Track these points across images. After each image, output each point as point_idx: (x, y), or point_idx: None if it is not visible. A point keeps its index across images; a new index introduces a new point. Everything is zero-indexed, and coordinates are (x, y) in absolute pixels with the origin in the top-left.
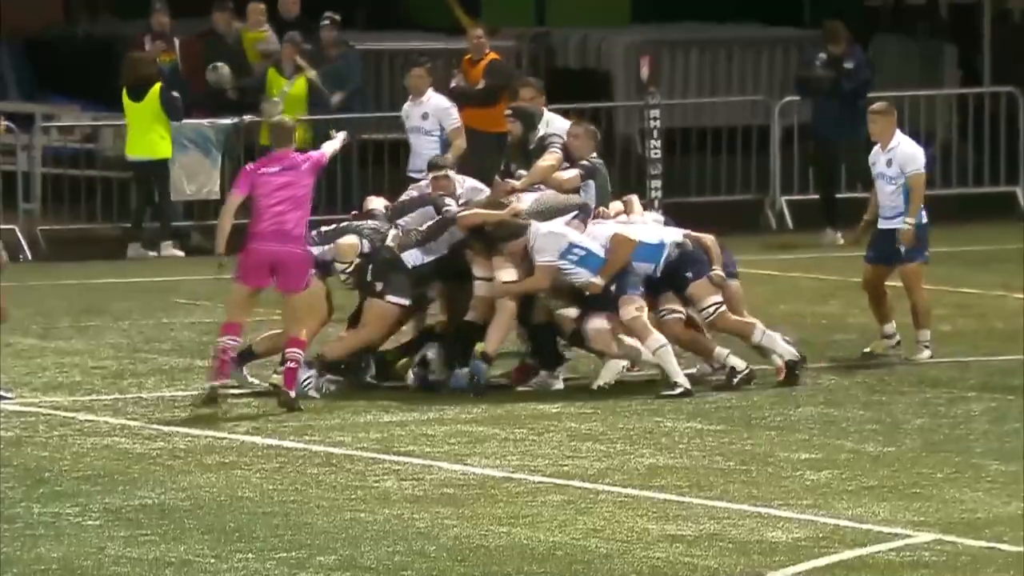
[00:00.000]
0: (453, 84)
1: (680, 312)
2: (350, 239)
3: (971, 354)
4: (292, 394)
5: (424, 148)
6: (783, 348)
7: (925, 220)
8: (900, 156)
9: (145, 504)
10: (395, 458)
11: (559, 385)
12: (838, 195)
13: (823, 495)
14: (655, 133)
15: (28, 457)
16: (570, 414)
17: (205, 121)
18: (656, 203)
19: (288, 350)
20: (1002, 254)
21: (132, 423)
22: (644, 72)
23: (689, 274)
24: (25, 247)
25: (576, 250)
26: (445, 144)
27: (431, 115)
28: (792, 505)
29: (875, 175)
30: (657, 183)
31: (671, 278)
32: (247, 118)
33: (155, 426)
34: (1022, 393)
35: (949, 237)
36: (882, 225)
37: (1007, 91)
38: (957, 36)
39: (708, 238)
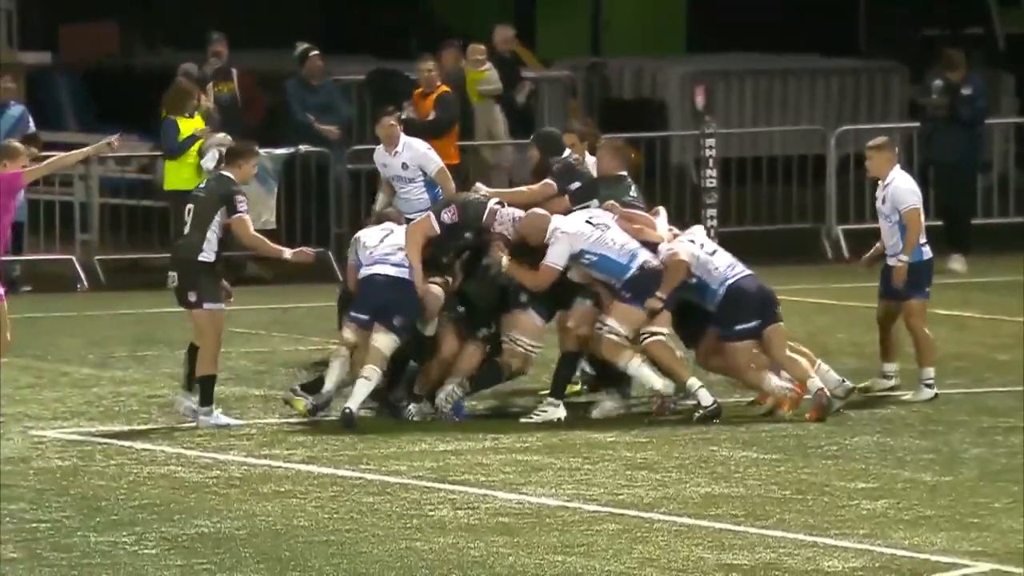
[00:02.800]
0: (403, 116)
1: (662, 333)
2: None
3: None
4: None
5: (412, 195)
6: (655, 380)
7: (928, 256)
8: (893, 193)
9: (201, 533)
10: (450, 487)
11: (561, 413)
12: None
13: (880, 524)
14: (711, 162)
15: (85, 486)
16: (625, 443)
17: (262, 151)
18: (711, 232)
19: None
20: None
21: (188, 452)
22: (699, 101)
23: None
24: (83, 277)
25: (588, 255)
26: (431, 185)
27: (410, 164)
28: (848, 534)
29: (877, 211)
30: (713, 212)
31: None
32: (303, 148)
33: (211, 455)
34: None
35: (1008, 266)
36: (888, 261)
37: None
38: (1014, 65)
39: (674, 261)
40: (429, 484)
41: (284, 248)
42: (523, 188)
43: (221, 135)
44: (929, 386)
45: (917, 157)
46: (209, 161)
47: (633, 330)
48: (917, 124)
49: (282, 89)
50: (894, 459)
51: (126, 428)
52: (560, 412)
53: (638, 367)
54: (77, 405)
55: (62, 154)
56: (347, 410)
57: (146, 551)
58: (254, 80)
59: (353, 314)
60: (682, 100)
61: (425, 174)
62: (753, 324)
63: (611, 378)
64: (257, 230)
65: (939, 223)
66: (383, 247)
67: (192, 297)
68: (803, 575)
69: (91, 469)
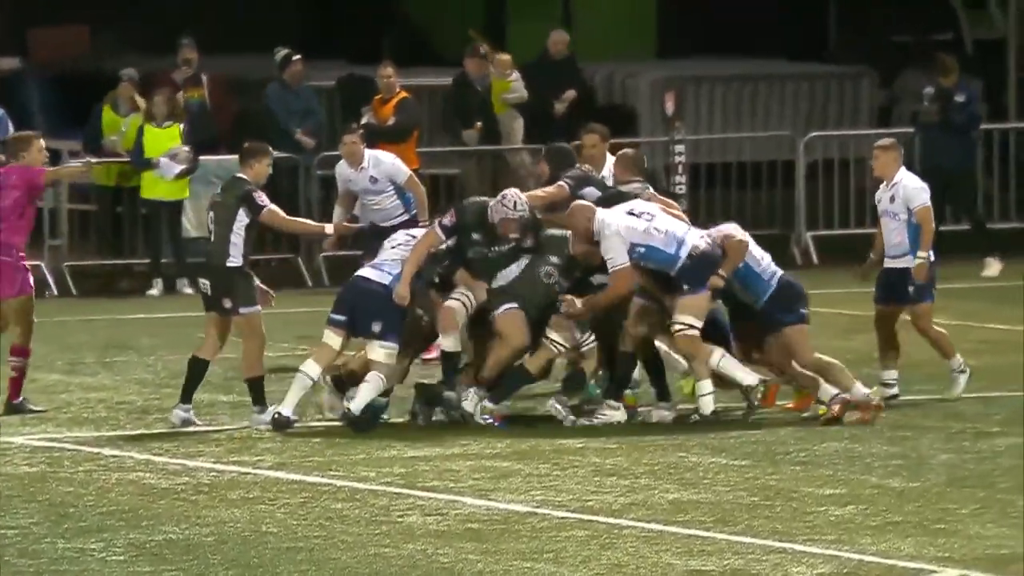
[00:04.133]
0: (363, 121)
1: (695, 326)
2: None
3: (996, 389)
4: (16, 402)
5: (384, 204)
6: (743, 374)
7: (933, 258)
8: (903, 192)
9: (169, 539)
10: (419, 493)
11: (621, 416)
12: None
13: (847, 530)
14: (680, 168)
15: (53, 492)
16: (594, 449)
17: (232, 157)
18: None
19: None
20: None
21: (157, 458)
22: (669, 108)
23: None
24: (51, 283)
25: (638, 248)
26: (401, 191)
27: (379, 177)
28: (816, 540)
29: (880, 212)
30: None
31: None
32: (275, 155)
33: (180, 461)
34: None
35: (973, 273)
36: (888, 264)
37: None
38: (983, 72)
39: (734, 242)
40: (398, 490)
41: (324, 224)
42: (538, 191)
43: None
44: (962, 372)
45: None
46: (164, 170)
47: (703, 317)
48: (884, 130)
49: (253, 94)
50: (862, 465)
51: (94, 434)
52: (620, 415)
53: (723, 360)
54: (45, 412)
55: (75, 165)
56: (347, 411)
57: (114, 558)
58: (224, 85)
59: (332, 315)
60: (652, 106)
61: (394, 184)
62: (798, 316)
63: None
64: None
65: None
66: (390, 253)
67: (227, 304)
68: None
69: (59, 475)
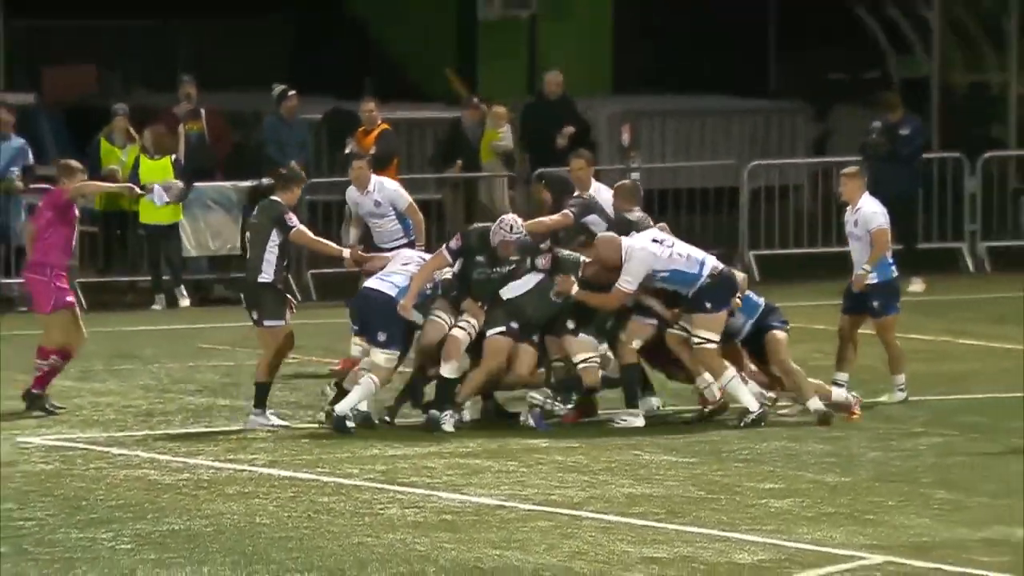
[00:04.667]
0: (347, 151)
1: (714, 340)
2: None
3: (921, 394)
4: (35, 392)
5: (385, 227)
6: (747, 399)
7: (896, 274)
8: (863, 216)
9: (172, 530)
10: (399, 488)
11: (640, 422)
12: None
13: (785, 521)
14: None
15: (67, 488)
16: (557, 448)
17: (227, 184)
18: None
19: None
20: (948, 304)
21: (161, 456)
22: (625, 138)
23: (708, 304)
24: None
25: (661, 273)
26: (401, 217)
27: (383, 202)
28: (757, 530)
29: (848, 234)
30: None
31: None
32: (265, 181)
33: (181, 459)
34: (965, 430)
35: (901, 288)
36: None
37: (954, 156)
38: (909, 107)
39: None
40: (379, 485)
41: (343, 248)
42: (544, 219)
43: (172, 181)
44: (902, 390)
45: (820, 187)
46: (156, 197)
47: (720, 333)
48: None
49: (247, 127)
50: (799, 462)
51: (104, 435)
52: (639, 421)
53: (733, 382)
54: (60, 414)
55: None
56: (336, 414)
57: (122, 546)
58: (222, 119)
59: (352, 326)
60: (610, 137)
61: (395, 209)
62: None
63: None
64: (224, 256)
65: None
66: (399, 268)
67: (254, 315)
68: (716, 567)
69: (72, 472)
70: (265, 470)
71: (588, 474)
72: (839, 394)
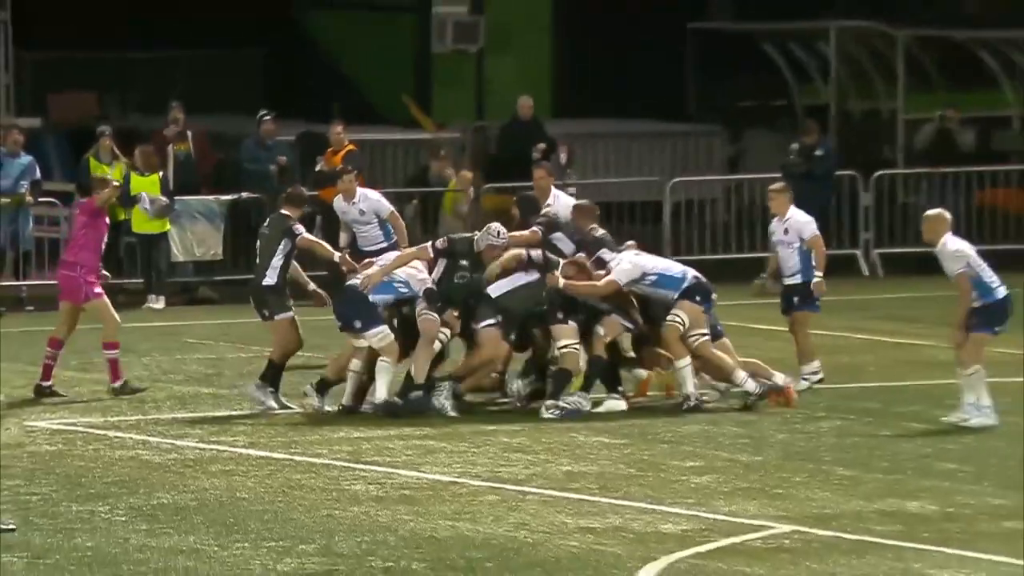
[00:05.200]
0: (317, 168)
1: (705, 334)
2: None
3: (822, 383)
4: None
5: (370, 233)
6: (689, 387)
7: (819, 277)
8: (794, 225)
9: (162, 503)
10: (363, 466)
11: (623, 406)
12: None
13: (705, 495)
14: None
15: (68, 466)
16: (503, 430)
17: (211, 197)
18: None
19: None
20: (846, 304)
21: (151, 439)
22: (563, 157)
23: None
24: None
25: (649, 276)
26: (383, 224)
27: (367, 211)
28: (680, 503)
29: (775, 242)
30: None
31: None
32: (244, 195)
33: (170, 441)
34: (861, 414)
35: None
36: (786, 282)
37: (850, 174)
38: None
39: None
40: (346, 464)
41: (335, 252)
42: (515, 233)
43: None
44: (806, 379)
45: (734, 201)
46: (145, 204)
47: (693, 325)
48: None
49: (229, 146)
50: (716, 443)
51: (101, 419)
52: (622, 405)
53: (686, 368)
54: (62, 401)
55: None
56: (380, 402)
57: (117, 518)
58: (206, 140)
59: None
60: (549, 156)
61: (378, 217)
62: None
63: (607, 380)
64: (208, 261)
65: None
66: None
67: (265, 313)
68: (644, 536)
69: (73, 452)
70: (244, 450)
71: (531, 454)
72: (778, 377)
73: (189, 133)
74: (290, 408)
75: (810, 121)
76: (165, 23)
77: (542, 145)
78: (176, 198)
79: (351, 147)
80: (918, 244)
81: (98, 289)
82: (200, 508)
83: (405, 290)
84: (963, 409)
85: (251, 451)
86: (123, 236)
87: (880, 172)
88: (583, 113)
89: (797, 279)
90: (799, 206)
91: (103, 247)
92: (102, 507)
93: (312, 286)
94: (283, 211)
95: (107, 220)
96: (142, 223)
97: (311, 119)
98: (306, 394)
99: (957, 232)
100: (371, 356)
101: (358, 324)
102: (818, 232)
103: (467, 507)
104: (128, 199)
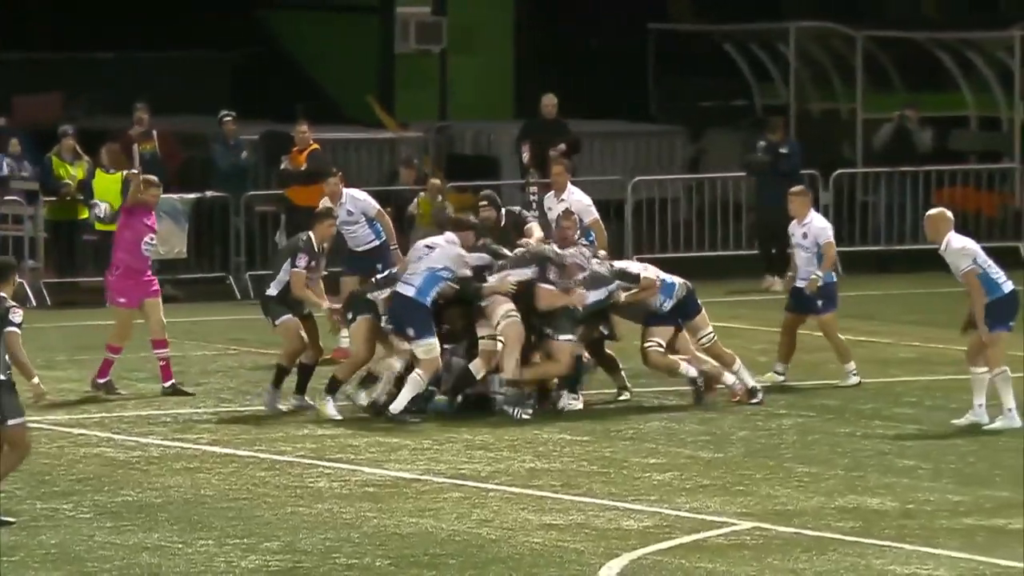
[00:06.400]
0: (282, 167)
1: (660, 343)
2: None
3: (783, 380)
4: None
5: (358, 232)
6: (747, 379)
7: (835, 279)
8: (814, 229)
9: (126, 501)
10: (327, 463)
11: (579, 405)
12: (774, 250)
13: (667, 492)
14: (534, 205)
15: (33, 463)
16: (466, 428)
17: (175, 196)
18: None
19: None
20: None
21: (116, 436)
22: (525, 157)
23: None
24: (31, 297)
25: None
26: (372, 222)
27: (354, 211)
28: (642, 500)
29: (794, 244)
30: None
31: (676, 312)
32: (209, 193)
33: (134, 438)
34: (822, 412)
35: (765, 286)
36: (800, 284)
37: (810, 173)
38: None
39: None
40: (310, 461)
41: (323, 300)
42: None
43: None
44: (855, 375)
45: (695, 200)
46: (98, 211)
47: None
48: (694, 175)
49: (196, 145)
50: (678, 440)
51: (66, 417)
52: (579, 404)
53: (685, 368)
54: (26, 399)
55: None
56: (392, 415)
57: (82, 515)
58: (172, 139)
59: (384, 323)
60: (512, 156)
61: (366, 216)
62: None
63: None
64: (172, 259)
65: (757, 252)
66: (418, 265)
67: (269, 319)
68: (607, 532)
69: (38, 450)
70: (209, 448)
71: (494, 451)
72: (728, 378)
73: (154, 133)
74: (308, 405)
75: (776, 118)
76: (132, 24)
77: (562, 146)
78: None
79: (315, 147)
80: (877, 243)
81: (122, 299)
82: (164, 505)
83: (447, 274)
84: (973, 411)
85: (215, 448)
86: (83, 235)
87: (839, 171)
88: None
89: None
90: (763, 202)
91: (141, 248)
92: (67, 504)
93: (326, 304)
94: (310, 233)
95: (145, 220)
96: (108, 224)
97: (276, 119)
98: (349, 397)
99: (915, 231)
100: (411, 362)
101: (411, 331)
102: (832, 239)
103: (430, 504)
104: (89, 199)
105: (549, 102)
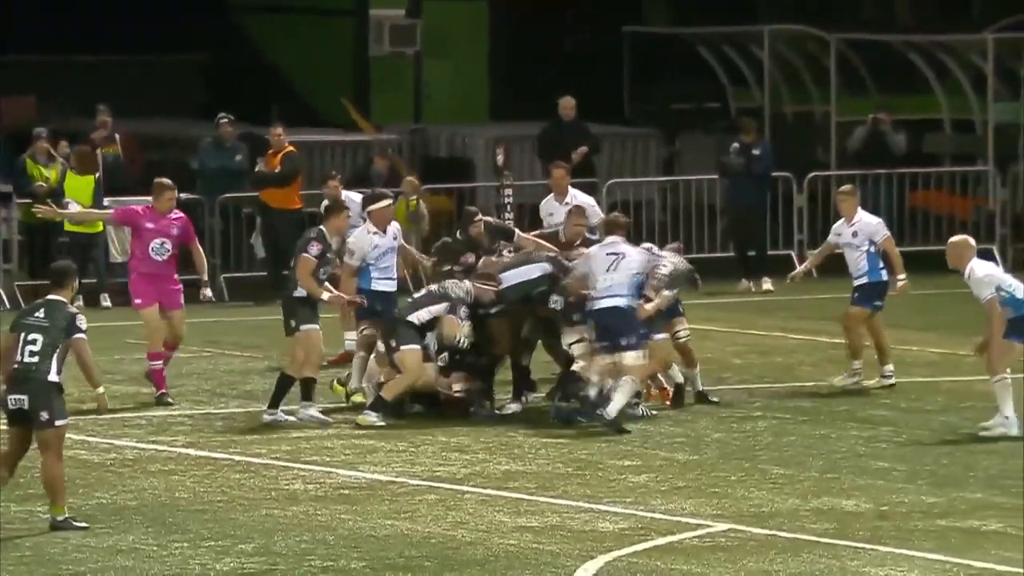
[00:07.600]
0: (257, 169)
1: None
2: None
3: (757, 382)
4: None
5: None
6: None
7: (884, 278)
8: (864, 228)
9: (101, 503)
10: (302, 466)
11: (517, 407)
12: (751, 253)
13: (642, 494)
14: (508, 207)
15: None
16: (441, 429)
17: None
18: None
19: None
20: (779, 303)
21: (90, 438)
22: (500, 159)
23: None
24: (4, 299)
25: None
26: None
27: (352, 215)
28: (618, 502)
29: (842, 244)
30: (510, 247)
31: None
32: (182, 195)
33: (108, 440)
34: (796, 413)
35: (739, 290)
36: (857, 282)
37: (784, 175)
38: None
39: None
40: (284, 463)
41: (322, 290)
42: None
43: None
44: (855, 375)
45: (669, 201)
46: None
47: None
48: (668, 177)
49: (166, 147)
50: (653, 442)
51: None
52: (517, 407)
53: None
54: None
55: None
56: (606, 415)
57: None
58: (135, 142)
59: (597, 344)
60: (486, 158)
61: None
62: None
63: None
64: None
65: (732, 255)
66: (613, 275)
67: (292, 323)
68: (582, 534)
69: None
70: (183, 450)
71: (469, 453)
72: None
73: (117, 136)
74: (326, 419)
75: (749, 120)
76: (106, 27)
77: (584, 149)
78: (108, 199)
79: (290, 149)
80: None
81: (137, 299)
82: (139, 508)
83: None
84: (1006, 421)
85: (190, 451)
86: (57, 236)
87: (813, 174)
88: (520, 116)
89: (864, 279)
90: (736, 203)
91: (150, 252)
92: (41, 507)
93: (327, 296)
94: (322, 227)
95: (148, 225)
96: (75, 224)
97: (251, 121)
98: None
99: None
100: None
101: (625, 341)
102: (889, 233)
103: (406, 506)
104: (61, 200)
105: (568, 104)
